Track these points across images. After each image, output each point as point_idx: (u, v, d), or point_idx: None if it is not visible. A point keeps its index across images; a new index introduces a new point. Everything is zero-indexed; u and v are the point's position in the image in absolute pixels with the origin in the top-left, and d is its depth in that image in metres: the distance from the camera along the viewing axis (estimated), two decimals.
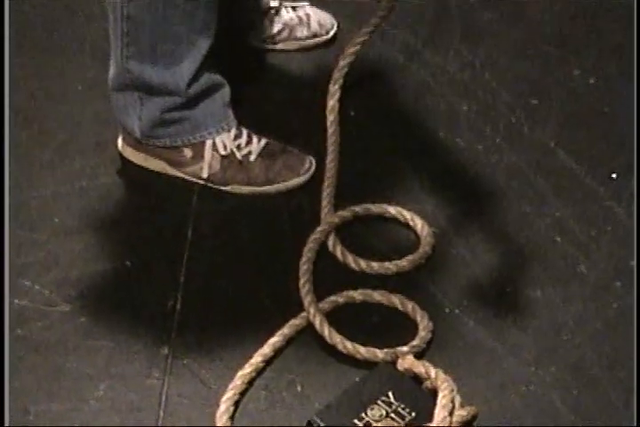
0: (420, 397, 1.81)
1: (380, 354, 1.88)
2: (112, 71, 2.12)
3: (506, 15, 2.64)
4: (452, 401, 1.79)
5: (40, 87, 2.44)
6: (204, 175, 2.20)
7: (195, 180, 2.22)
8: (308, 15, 2.53)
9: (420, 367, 1.84)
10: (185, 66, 2.06)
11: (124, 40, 2.03)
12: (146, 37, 2.02)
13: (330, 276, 2.05)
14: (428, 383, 1.83)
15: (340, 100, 2.30)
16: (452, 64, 2.51)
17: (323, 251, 2.08)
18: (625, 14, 2.62)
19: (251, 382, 1.87)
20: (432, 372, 1.83)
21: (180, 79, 2.07)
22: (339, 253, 2.07)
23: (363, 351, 1.88)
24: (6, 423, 1.73)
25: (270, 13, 2.48)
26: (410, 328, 1.95)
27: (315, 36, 2.53)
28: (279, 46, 2.52)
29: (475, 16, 2.64)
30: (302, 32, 2.52)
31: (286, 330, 1.93)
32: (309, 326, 1.94)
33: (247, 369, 1.86)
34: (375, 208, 2.15)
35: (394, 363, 1.87)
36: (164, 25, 2.00)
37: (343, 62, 2.30)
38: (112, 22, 2.04)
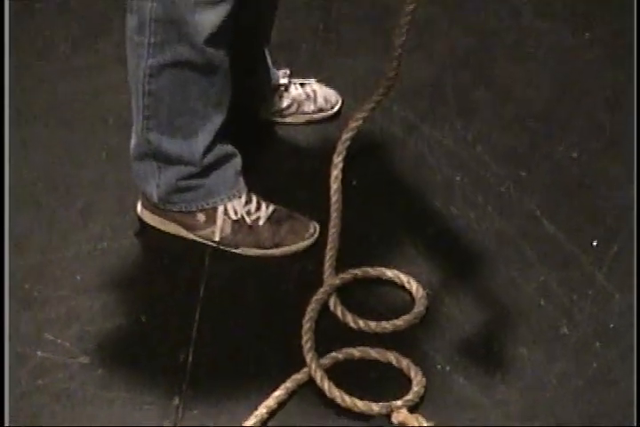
0: None
1: (375, 407, 1.89)
2: (133, 141, 2.15)
3: (497, 94, 2.66)
4: None
5: (67, 154, 2.47)
6: (216, 238, 2.21)
7: (207, 242, 2.23)
8: (314, 91, 2.55)
9: (413, 421, 1.85)
10: (200, 138, 2.09)
11: (145, 113, 2.06)
12: (165, 112, 2.05)
13: (331, 334, 2.05)
14: None
15: (343, 171, 2.32)
16: (447, 138, 2.52)
17: (324, 310, 2.09)
18: (606, 96, 2.66)
19: None
20: (424, 425, 1.84)
21: (195, 150, 2.10)
22: (339, 313, 2.08)
23: (360, 405, 1.89)
24: (6, 423, 1.72)
25: (280, 89, 2.51)
26: (404, 383, 1.95)
27: (321, 110, 2.55)
28: (288, 120, 2.54)
29: (468, 94, 2.65)
30: (309, 107, 2.54)
31: (289, 384, 1.94)
32: (311, 380, 1.95)
33: (252, 420, 1.87)
34: (374, 271, 2.16)
35: (389, 416, 1.88)
36: (182, 101, 2.03)
37: (346, 136, 2.32)
38: (134, 97, 2.07)
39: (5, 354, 1.88)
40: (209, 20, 1.90)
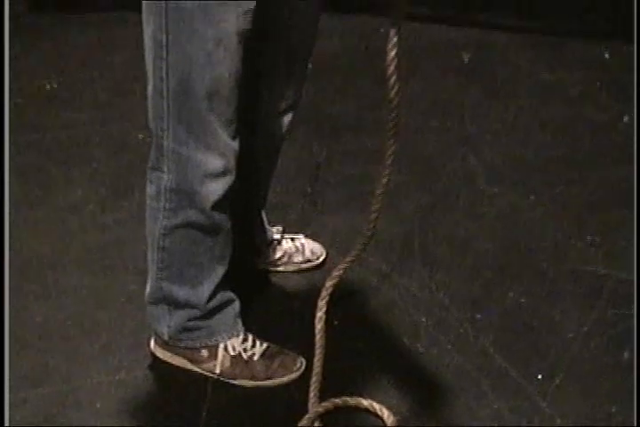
0: None
1: None
2: (148, 288, 2.18)
3: (456, 248, 2.70)
4: None
5: (92, 297, 2.48)
6: (217, 371, 2.23)
7: (210, 374, 2.24)
8: (302, 245, 2.59)
9: None
10: (205, 287, 2.12)
11: (159, 265, 2.11)
12: (176, 265, 2.09)
13: None
14: None
15: (327, 313, 2.31)
16: (414, 286, 2.54)
17: None
18: (548, 250, 2.70)
19: None
20: None
21: (201, 297, 2.13)
22: None
23: None
24: (6, 423, 1.65)
25: (274, 243, 2.55)
26: None
27: (308, 261, 2.58)
28: (280, 269, 2.57)
29: (432, 248, 2.69)
30: (298, 258, 2.57)
31: None
32: None
33: None
34: (352, 400, 2.16)
35: None
36: (191, 256, 2.08)
37: (329, 283, 2.33)
38: (150, 251, 2.12)
39: (5, 354, 1.83)
40: (215, 190, 1.97)
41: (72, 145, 3.08)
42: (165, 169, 1.96)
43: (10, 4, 3.78)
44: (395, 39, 1.84)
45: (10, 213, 2.65)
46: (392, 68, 1.86)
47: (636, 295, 2.38)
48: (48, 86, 3.39)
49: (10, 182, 2.77)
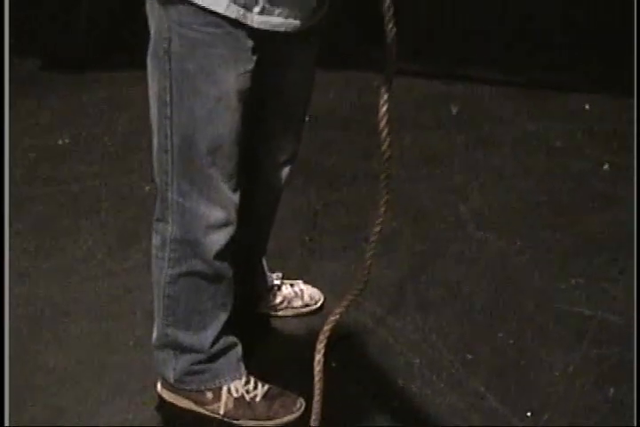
0: None
1: None
2: (155, 333, 2.18)
3: (447, 292, 2.69)
4: None
5: (103, 341, 2.48)
6: (221, 412, 2.22)
7: (214, 415, 2.23)
8: (301, 290, 2.59)
9: None
10: (209, 332, 2.12)
11: (165, 312, 2.11)
12: (181, 311, 2.10)
13: None
14: None
15: (325, 355, 2.30)
16: (408, 328, 2.54)
17: None
18: (535, 291, 2.70)
19: None
20: None
21: (205, 342, 2.13)
22: None
23: None
24: (6, 423, 1.63)
25: (274, 289, 2.55)
26: None
27: (307, 305, 2.58)
28: (280, 313, 2.57)
29: (424, 292, 2.69)
30: (297, 303, 2.57)
31: None
32: None
33: None
34: None
35: None
36: (195, 303, 2.08)
37: (327, 327, 2.32)
38: (156, 298, 2.13)
39: (5, 354, 1.81)
40: (217, 240, 1.98)
41: (83, 197, 3.09)
42: (170, 221, 1.97)
43: (25, 63, 3.85)
44: (385, 96, 1.87)
45: (23, 263, 2.68)
46: (384, 122, 1.88)
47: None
48: (60, 141, 3.41)
49: (24, 233, 2.82)
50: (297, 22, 1.87)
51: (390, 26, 1.82)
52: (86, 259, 2.80)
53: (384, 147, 1.89)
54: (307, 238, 2.91)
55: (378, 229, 2.09)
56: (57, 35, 3.89)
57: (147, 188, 3.00)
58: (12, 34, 3.82)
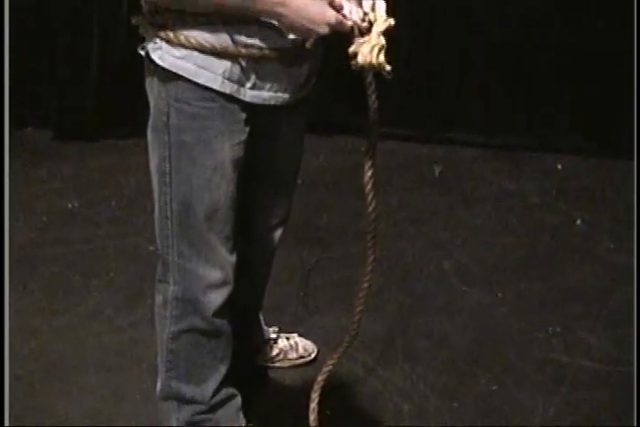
0: None
1: None
2: (159, 386, 2.17)
3: (434, 342, 2.69)
4: None
5: (110, 394, 2.47)
6: None
7: None
8: (296, 343, 2.59)
9: None
10: (209, 384, 2.12)
11: (168, 366, 2.11)
12: (183, 365, 2.10)
13: None
14: None
15: (319, 404, 2.30)
16: (397, 377, 2.54)
17: None
18: (515, 344, 2.69)
19: None
20: None
21: (205, 394, 2.12)
22: None
23: None
24: (6, 423, 1.59)
25: (270, 342, 2.55)
26: None
27: (301, 357, 2.58)
28: (276, 364, 2.56)
29: (412, 343, 2.69)
30: (293, 355, 2.57)
31: None
32: None
33: None
34: None
35: None
36: (196, 357, 2.08)
37: (321, 377, 2.33)
38: (160, 353, 2.13)
39: (5, 354, 1.79)
40: (216, 299, 1.99)
41: (91, 257, 3.10)
42: (171, 281, 1.98)
43: (39, 134, 3.90)
44: (369, 162, 1.91)
45: (36, 320, 2.69)
46: (369, 187, 1.92)
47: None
48: (70, 205, 3.43)
49: (36, 292, 2.83)
50: (286, 96, 1.90)
51: (372, 99, 1.86)
52: (95, 315, 2.80)
53: (370, 209, 1.93)
54: (301, 294, 2.91)
55: (366, 285, 2.11)
56: (67, 108, 3.93)
57: (151, 248, 3.01)
58: (28, 107, 3.91)
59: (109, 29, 3.63)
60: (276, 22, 1.76)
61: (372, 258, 2.07)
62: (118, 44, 3.62)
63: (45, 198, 3.48)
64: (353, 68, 1.79)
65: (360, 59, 1.76)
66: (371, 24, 1.79)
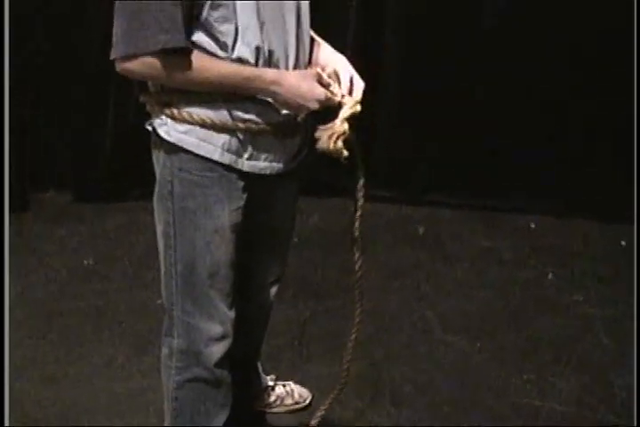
0: None
1: None
2: None
3: (419, 388, 2.67)
4: None
5: None
6: None
7: None
8: (292, 390, 2.57)
9: None
10: None
11: (173, 412, 2.10)
12: (187, 412, 2.08)
13: None
14: None
15: None
16: (385, 421, 2.51)
17: None
18: (494, 389, 2.68)
19: None
20: None
21: None
22: None
23: None
24: (6, 423, 1.55)
25: (268, 389, 2.53)
26: None
27: (297, 403, 2.56)
28: (274, 410, 2.54)
29: (399, 389, 2.66)
30: (289, 401, 2.55)
31: None
32: None
33: None
34: None
35: None
36: (198, 405, 2.07)
37: (314, 422, 2.31)
38: (166, 401, 2.11)
39: (5, 354, 1.75)
40: (217, 351, 1.99)
41: (105, 310, 3.09)
42: (176, 335, 1.98)
43: (59, 197, 3.92)
44: (357, 223, 1.93)
45: (53, 369, 2.67)
46: (355, 247, 1.94)
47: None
48: (86, 262, 3.44)
49: (55, 342, 2.82)
50: (280, 165, 1.93)
51: (359, 168, 1.89)
52: (107, 364, 2.78)
53: (356, 267, 1.95)
54: (296, 344, 2.89)
55: (354, 336, 2.12)
56: (85, 174, 3.97)
57: (158, 302, 2.98)
58: (49, 173, 3.95)
59: (123, 103, 3.68)
60: (271, 99, 1.79)
61: (359, 311, 2.08)
62: (130, 117, 3.67)
63: (64, 255, 3.49)
64: (317, 151, 1.82)
65: (319, 144, 1.80)
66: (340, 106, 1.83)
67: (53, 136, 3.92)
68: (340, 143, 1.79)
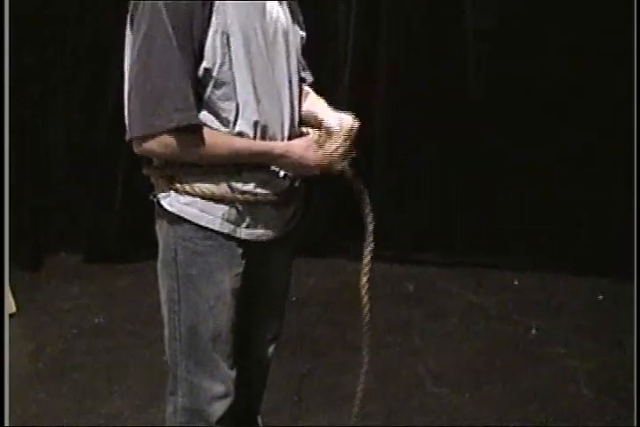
0: None
1: None
2: None
3: None
4: None
5: None
6: None
7: None
8: None
9: None
10: None
11: None
12: None
13: None
14: None
15: None
16: None
17: None
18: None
19: None
20: None
21: None
22: None
23: None
24: (6, 423, 1.49)
25: None
26: None
27: None
28: None
29: None
30: None
31: None
32: None
33: None
34: None
35: None
36: None
37: None
38: None
39: (5, 355, 1.70)
40: (218, 408, 1.97)
41: (114, 366, 3.09)
42: (180, 393, 1.97)
43: (71, 258, 3.94)
44: (366, 298, 1.92)
45: (65, 420, 2.67)
46: (366, 311, 1.93)
47: None
48: (97, 320, 3.43)
49: (65, 395, 2.79)
50: (276, 232, 1.94)
51: (367, 211, 1.90)
52: (116, 416, 2.76)
53: (364, 321, 1.93)
54: (295, 398, 2.87)
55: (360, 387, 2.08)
56: (95, 237, 4.00)
57: (164, 358, 2.98)
58: (62, 236, 3.97)
59: (132, 174, 3.72)
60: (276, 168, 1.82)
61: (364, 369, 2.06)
62: (137, 186, 3.71)
63: (75, 313, 3.49)
64: None
65: None
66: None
67: (66, 202, 3.96)
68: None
